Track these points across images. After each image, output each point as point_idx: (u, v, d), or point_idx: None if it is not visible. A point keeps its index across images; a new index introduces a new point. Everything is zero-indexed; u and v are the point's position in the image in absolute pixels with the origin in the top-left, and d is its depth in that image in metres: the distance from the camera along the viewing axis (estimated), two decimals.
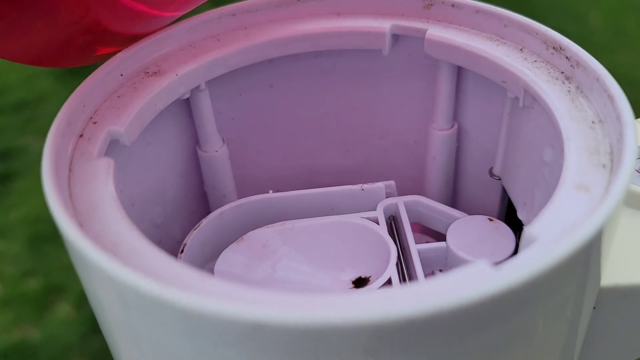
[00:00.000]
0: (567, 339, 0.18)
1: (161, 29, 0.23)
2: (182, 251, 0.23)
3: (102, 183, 0.18)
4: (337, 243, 0.24)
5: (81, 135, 0.20)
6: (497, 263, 0.22)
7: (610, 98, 0.18)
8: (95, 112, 0.21)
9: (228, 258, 0.24)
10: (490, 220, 0.24)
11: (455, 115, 0.26)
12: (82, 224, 0.16)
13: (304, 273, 0.24)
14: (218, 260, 0.23)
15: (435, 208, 0.25)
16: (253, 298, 0.13)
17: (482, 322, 0.14)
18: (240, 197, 0.28)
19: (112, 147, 0.20)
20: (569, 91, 0.20)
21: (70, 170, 0.18)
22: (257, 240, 0.24)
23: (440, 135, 0.26)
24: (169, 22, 0.23)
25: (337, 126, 0.29)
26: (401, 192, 0.27)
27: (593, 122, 0.19)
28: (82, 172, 0.18)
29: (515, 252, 0.23)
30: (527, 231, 0.15)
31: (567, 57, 0.21)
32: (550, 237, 0.15)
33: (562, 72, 0.21)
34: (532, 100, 0.21)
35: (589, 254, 0.15)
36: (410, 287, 0.14)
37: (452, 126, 0.26)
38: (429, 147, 0.27)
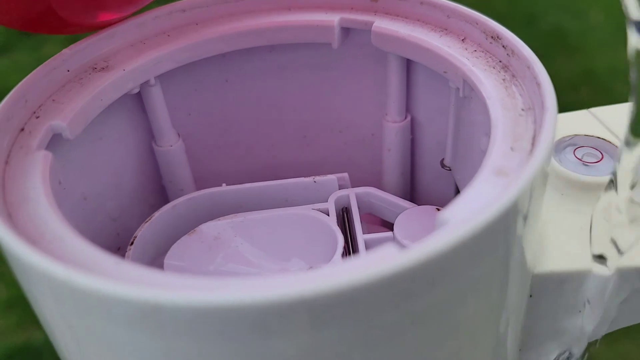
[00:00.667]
0: (496, 324, 0.18)
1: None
2: (131, 243, 0.24)
3: (36, 175, 0.18)
4: (288, 234, 0.25)
5: (22, 130, 0.20)
6: None
7: (538, 85, 0.19)
8: (39, 107, 0.21)
9: (179, 250, 0.24)
10: (438, 209, 0.24)
11: (409, 107, 0.27)
12: (11, 214, 0.17)
13: (254, 265, 0.24)
14: (168, 252, 0.24)
15: (385, 199, 0.25)
16: (159, 281, 0.14)
17: (389, 299, 0.14)
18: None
19: (57, 142, 0.21)
20: (504, 79, 0.20)
21: (7, 163, 0.19)
22: (209, 233, 0.25)
23: (393, 127, 0.27)
24: None
25: (297, 120, 0.29)
26: (360, 183, 0.27)
27: (523, 109, 0.19)
28: (19, 165, 0.19)
29: None
30: (439, 216, 0.15)
31: (503, 46, 0.21)
32: (459, 220, 0.15)
33: (500, 61, 0.21)
34: (470, 89, 0.21)
35: (500, 235, 0.15)
36: (318, 270, 0.14)
37: (405, 118, 0.27)
38: (384, 140, 0.27)
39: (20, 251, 0.15)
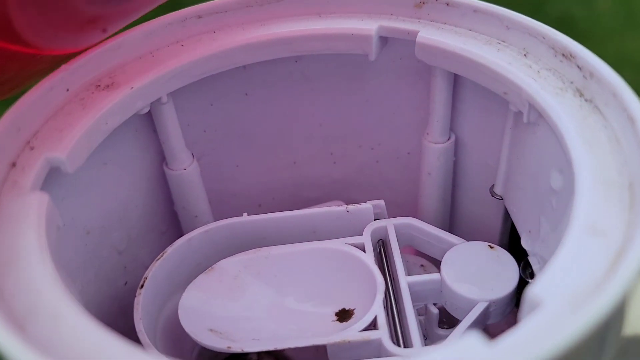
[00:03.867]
0: None
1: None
2: (142, 286, 0.21)
3: (30, 226, 0.15)
4: (318, 272, 0.22)
5: (14, 165, 0.17)
6: (497, 300, 0.20)
7: (631, 119, 0.15)
8: (35, 135, 0.18)
9: (195, 293, 0.21)
10: (491, 247, 0.21)
11: (452, 127, 0.23)
12: None
13: (281, 308, 0.21)
14: (183, 295, 0.21)
15: (429, 232, 0.22)
16: None
17: None
18: (215, 216, 0.26)
19: (55, 174, 0.18)
20: (580, 107, 0.17)
21: None
22: (228, 271, 0.22)
23: (435, 149, 0.23)
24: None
25: (323, 136, 0.26)
26: (394, 207, 0.24)
27: (609, 145, 0.16)
28: (9, 211, 0.16)
29: (520, 286, 0.20)
30: (531, 292, 0.12)
31: (578, 67, 0.18)
32: (559, 304, 0.12)
33: (572, 83, 0.18)
34: (537, 115, 0.18)
35: (611, 323, 0.12)
36: None
37: (449, 138, 0.23)
38: (424, 162, 0.24)
39: (5, 343, 0.12)
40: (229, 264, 0.22)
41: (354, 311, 0.21)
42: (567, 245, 0.13)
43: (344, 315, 0.21)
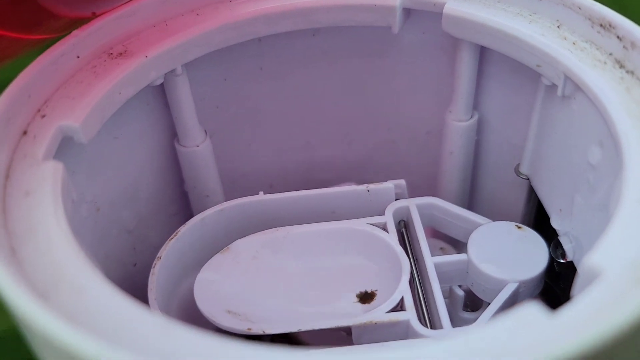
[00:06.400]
0: None
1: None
2: (154, 265, 0.20)
3: (46, 195, 0.14)
4: (339, 253, 0.21)
5: (25, 133, 0.16)
6: (527, 281, 0.19)
7: None
8: (45, 102, 0.17)
9: (210, 274, 0.20)
10: (519, 227, 0.20)
11: (476, 104, 0.23)
12: (15, 250, 0.13)
13: (301, 289, 0.21)
14: (198, 276, 0.20)
15: (453, 212, 0.21)
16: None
17: None
18: (226, 197, 0.25)
19: (67, 145, 0.17)
20: (622, 79, 0.17)
21: (7, 177, 0.15)
22: (245, 251, 0.21)
23: (458, 127, 0.23)
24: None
25: (338, 115, 0.25)
26: (411, 189, 0.23)
27: None
28: (23, 180, 0.15)
29: (550, 265, 0.19)
30: (589, 262, 0.12)
31: (618, 37, 0.17)
32: (620, 275, 0.11)
33: (611, 54, 0.17)
34: (574, 88, 0.18)
35: None
36: (450, 344, 0.10)
37: (472, 116, 0.23)
38: (445, 140, 0.23)
39: (29, 311, 0.11)
40: (246, 244, 0.21)
41: (376, 293, 0.20)
42: (622, 217, 0.13)
43: (366, 297, 0.20)
